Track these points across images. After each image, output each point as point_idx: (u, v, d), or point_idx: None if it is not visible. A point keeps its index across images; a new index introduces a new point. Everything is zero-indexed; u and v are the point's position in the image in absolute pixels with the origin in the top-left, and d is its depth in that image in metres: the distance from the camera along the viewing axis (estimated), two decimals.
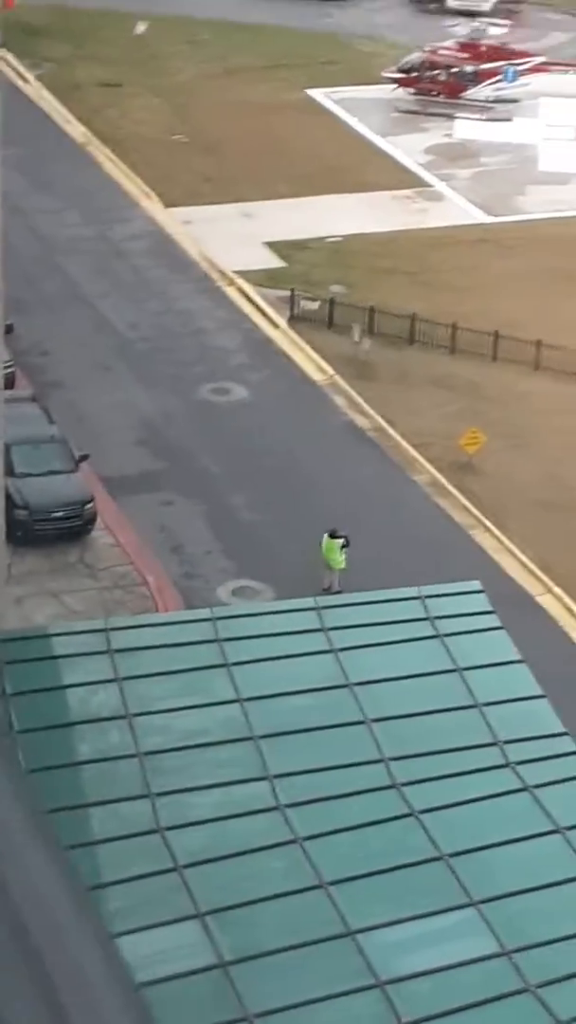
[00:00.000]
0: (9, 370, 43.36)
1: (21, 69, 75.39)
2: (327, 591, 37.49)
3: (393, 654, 25.81)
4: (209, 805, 22.47)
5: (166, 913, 20.62)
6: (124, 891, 20.90)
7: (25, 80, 74.41)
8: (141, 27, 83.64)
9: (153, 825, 21.97)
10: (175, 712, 24.04)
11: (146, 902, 20.81)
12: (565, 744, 24.58)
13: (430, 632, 26.30)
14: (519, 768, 23.82)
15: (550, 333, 51.98)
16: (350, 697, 24.70)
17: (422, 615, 26.58)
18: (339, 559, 38.88)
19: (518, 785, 23.53)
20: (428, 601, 26.88)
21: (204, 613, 26.85)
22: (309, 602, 26.91)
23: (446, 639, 26.16)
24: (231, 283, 56.24)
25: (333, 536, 38.94)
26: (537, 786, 23.49)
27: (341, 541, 38.82)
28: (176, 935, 20.38)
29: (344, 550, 38.85)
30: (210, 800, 22.56)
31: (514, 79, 76.77)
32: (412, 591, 27.19)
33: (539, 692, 25.49)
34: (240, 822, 22.23)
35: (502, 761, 23.94)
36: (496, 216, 64.47)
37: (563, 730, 24.81)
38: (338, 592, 36.82)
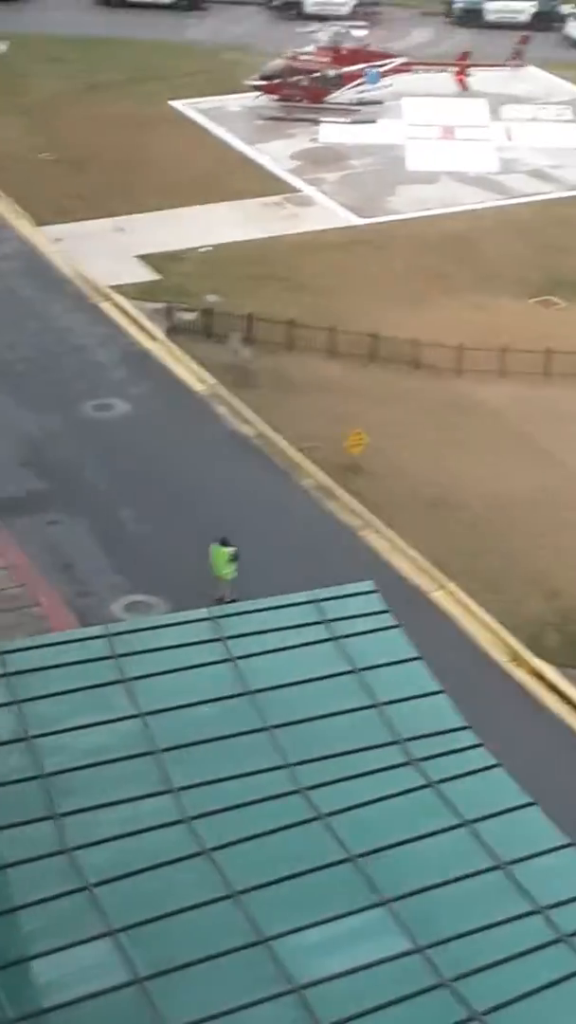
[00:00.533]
0: None
1: None
2: (221, 601, 37.45)
3: (291, 659, 25.82)
4: (115, 822, 22.36)
5: (79, 933, 20.51)
6: (35, 913, 20.78)
7: None
8: (1, 46, 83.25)
9: (60, 846, 21.85)
10: (76, 731, 23.91)
11: (58, 923, 20.70)
12: (466, 738, 24.70)
13: (326, 635, 26.33)
14: (422, 765, 23.91)
15: (427, 331, 52.34)
16: (250, 705, 24.70)
17: (317, 618, 26.62)
18: (228, 570, 38.82)
19: (422, 782, 23.63)
20: (322, 604, 26.93)
21: (99, 630, 26.65)
22: (203, 613, 26.84)
23: (342, 641, 26.21)
24: (107, 298, 56.10)
25: (224, 544, 38.89)
26: (441, 781, 23.59)
27: (231, 551, 38.76)
28: (90, 954, 20.28)
29: (234, 562, 38.78)
30: (116, 817, 22.46)
31: (376, 81, 77.28)
32: (306, 595, 27.22)
33: (438, 688, 25.60)
34: (147, 837, 22.16)
35: (405, 759, 24.02)
36: (366, 218, 64.85)
37: (464, 724, 24.93)
38: (232, 601, 36.79)
